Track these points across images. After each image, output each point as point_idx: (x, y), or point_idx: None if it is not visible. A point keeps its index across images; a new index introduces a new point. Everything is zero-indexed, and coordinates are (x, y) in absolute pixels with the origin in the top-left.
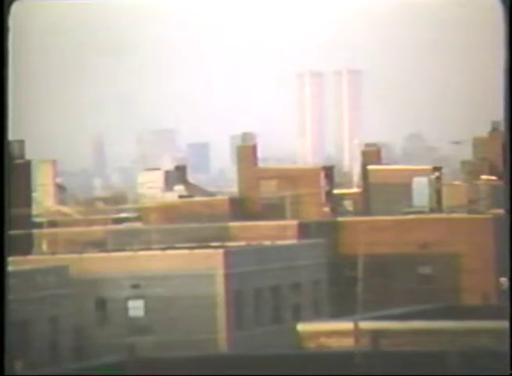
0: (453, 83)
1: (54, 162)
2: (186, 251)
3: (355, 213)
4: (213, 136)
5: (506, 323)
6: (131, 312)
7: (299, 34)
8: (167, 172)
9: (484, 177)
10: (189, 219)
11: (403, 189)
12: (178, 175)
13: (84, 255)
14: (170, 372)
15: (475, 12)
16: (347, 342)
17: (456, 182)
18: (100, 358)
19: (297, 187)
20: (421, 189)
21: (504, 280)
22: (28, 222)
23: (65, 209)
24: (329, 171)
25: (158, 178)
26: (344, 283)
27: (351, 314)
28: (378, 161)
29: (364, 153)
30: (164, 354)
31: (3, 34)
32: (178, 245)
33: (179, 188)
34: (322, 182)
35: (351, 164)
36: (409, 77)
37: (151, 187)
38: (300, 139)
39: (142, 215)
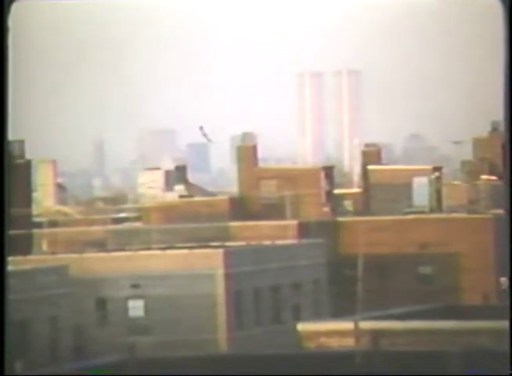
0: (453, 83)
1: (54, 162)
2: (186, 251)
3: (355, 213)
4: (213, 136)
5: (506, 323)
6: (131, 312)
7: (299, 33)
8: (167, 172)
9: (484, 177)
10: (189, 219)
11: (403, 189)
12: (178, 174)
13: (84, 255)
14: (170, 372)
15: (475, 12)
16: (348, 342)
17: (456, 182)
18: (100, 358)
19: (297, 187)
20: (421, 189)
21: (504, 280)
22: (28, 222)
23: (65, 209)
24: (329, 171)
25: (158, 178)
26: (344, 283)
27: (351, 314)
28: (378, 161)
29: (364, 153)
30: (164, 354)
31: (3, 34)
32: (178, 245)
33: (179, 188)
34: (322, 182)
35: (351, 164)
36: (409, 77)
37: (151, 187)
38: (300, 139)
39: (142, 214)
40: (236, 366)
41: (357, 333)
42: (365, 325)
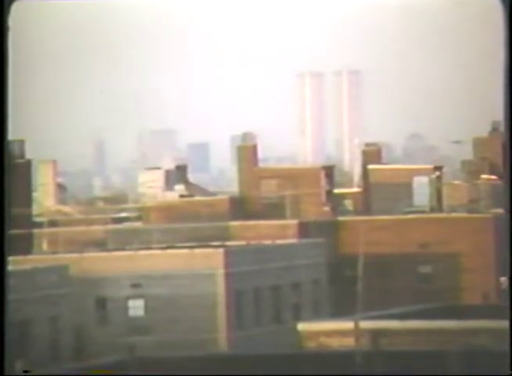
0: (453, 83)
1: (54, 162)
2: (187, 251)
3: (356, 212)
4: (213, 136)
5: (506, 323)
6: (132, 312)
7: (299, 34)
8: (167, 172)
9: (484, 177)
10: (190, 219)
11: (403, 188)
12: (178, 174)
13: (85, 255)
14: (170, 372)
15: (475, 12)
16: (348, 342)
17: (457, 182)
18: (100, 358)
19: (298, 187)
20: (421, 189)
21: (504, 280)
22: (28, 222)
23: (65, 209)
24: (329, 171)
25: (159, 177)
26: (344, 283)
27: (351, 314)
28: (378, 161)
29: (364, 153)
30: (164, 354)
31: (3, 34)
32: (178, 245)
33: (180, 187)
34: (323, 181)
35: (351, 163)
36: (409, 77)
37: (151, 187)
38: (300, 138)
39: (142, 214)
40: (236, 366)
41: (357, 333)
42: (365, 325)
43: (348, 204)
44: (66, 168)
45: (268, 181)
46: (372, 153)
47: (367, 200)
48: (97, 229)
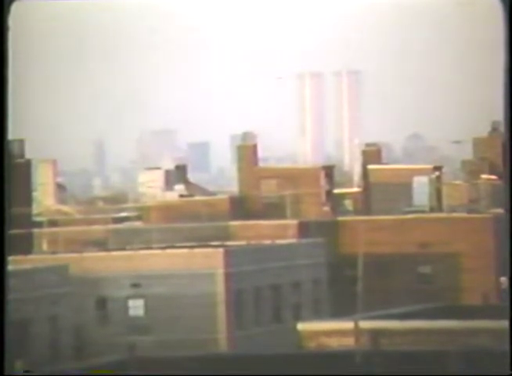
0: (453, 83)
1: (54, 162)
2: (186, 251)
3: (355, 212)
4: (213, 136)
5: (506, 323)
6: (132, 312)
7: (299, 34)
8: (167, 172)
9: (484, 177)
10: (190, 218)
11: (403, 188)
12: (178, 174)
13: (85, 254)
14: (170, 372)
15: (475, 12)
16: (348, 342)
17: (457, 182)
18: (100, 357)
19: (298, 187)
20: (421, 189)
21: (504, 280)
22: (28, 222)
23: (65, 208)
24: (329, 171)
25: (158, 177)
26: (344, 283)
27: (351, 314)
28: (378, 161)
29: (364, 153)
30: (164, 354)
31: (3, 34)
32: (178, 244)
33: (180, 187)
34: (323, 181)
35: (351, 163)
36: (409, 77)
37: (151, 186)
38: (300, 138)
39: (142, 214)
40: (236, 366)
41: (357, 333)
42: (365, 325)
43: (348, 204)
44: (66, 168)
45: (268, 181)
46: (372, 153)
47: (367, 200)
48: (97, 228)
